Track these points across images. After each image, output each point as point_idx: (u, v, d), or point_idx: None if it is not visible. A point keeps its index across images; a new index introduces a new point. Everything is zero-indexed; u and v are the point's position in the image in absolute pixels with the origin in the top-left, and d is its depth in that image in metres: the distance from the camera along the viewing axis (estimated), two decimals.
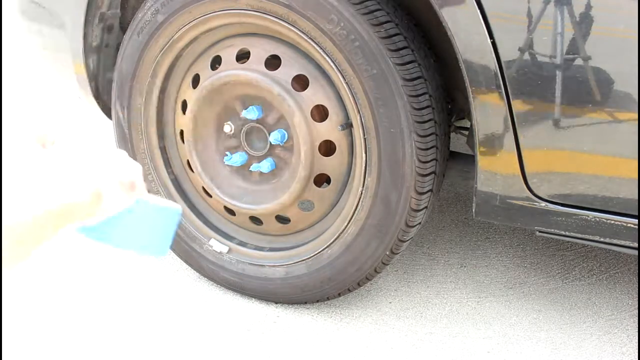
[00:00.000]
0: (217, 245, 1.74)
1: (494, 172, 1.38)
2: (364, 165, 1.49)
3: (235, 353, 1.58)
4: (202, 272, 1.80)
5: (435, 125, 1.45)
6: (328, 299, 1.68)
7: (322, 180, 1.60)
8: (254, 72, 1.54)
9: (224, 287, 1.79)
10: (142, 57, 1.66)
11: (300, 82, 1.53)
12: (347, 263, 1.58)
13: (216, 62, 1.62)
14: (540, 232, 1.43)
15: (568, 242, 1.70)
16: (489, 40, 1.27)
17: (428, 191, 1.48)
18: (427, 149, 1.44)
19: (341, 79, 1.44)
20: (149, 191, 0.84)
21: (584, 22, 1.21)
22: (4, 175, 0.63)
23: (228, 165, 1.66)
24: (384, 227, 1.50)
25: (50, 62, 1.94)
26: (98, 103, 1.90)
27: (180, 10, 1.56)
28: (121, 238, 0.75)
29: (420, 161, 1.43)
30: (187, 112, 1.66)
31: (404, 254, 1.94)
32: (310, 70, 1.52)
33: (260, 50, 1.56)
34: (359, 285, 1.63)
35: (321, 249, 1.60)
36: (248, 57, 1.57)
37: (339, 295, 1.67)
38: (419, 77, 1.41)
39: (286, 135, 1.57)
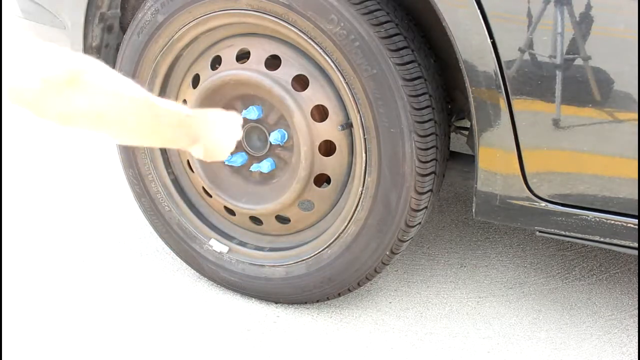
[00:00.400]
0: (217, 245, 1.74)
1: (494, 172, 1.38)
2: (364, 165, 1.49)
3: (235, 353, 1.58)
4: (202, 272, 1.80)
5: (435, 125, 1.45)
6: (328, 299, 1.68)
7: (322, 180, 1.60)
8: (254, 72, 1.54)
9: (223, 287, 1.80)
10: (142, 57, 1.66)
11: (300, 82, 1.53)
12: (347, 263, 1.58)
13: (216, 62, 1.62)
14: (540, 232, 1.43)
15: (568, 242, 1.70)
16: (489, 40, 1.27)
17: (428, 191, 1.48)
18: (427, 149, 1.44)
19: (341, 79, 1.44)
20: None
21: (584, 22, 1.21)
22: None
23: (228, 165, 1.66)
24: (384, 227, 1.50)
25: None
26: None
27: (180, 10, 1.56)
28: None
29: (420, 161, 1.43)
30: None
31: (404, 254, 1.95)
32: (310, 70, 1.52)
33: (260, 50, 1.56)
34: (359, 285, 1.63)
35: (321, 249, 1.60)
36: (248, 57, 1.57)
37: (339, 295, 1.67)
38: (419, 77, 1.41)
39: (286, 135, 1.57)
